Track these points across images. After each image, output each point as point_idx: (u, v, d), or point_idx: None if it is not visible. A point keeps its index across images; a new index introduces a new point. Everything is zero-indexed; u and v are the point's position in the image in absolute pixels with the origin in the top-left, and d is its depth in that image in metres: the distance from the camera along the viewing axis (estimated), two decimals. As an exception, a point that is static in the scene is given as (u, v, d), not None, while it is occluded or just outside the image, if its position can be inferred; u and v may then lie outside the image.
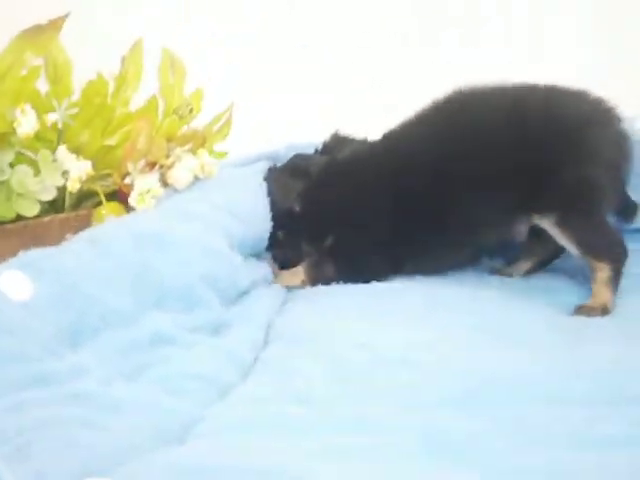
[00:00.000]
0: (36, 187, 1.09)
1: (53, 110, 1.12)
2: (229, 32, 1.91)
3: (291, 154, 1.41)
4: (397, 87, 1.84)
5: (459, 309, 1.14)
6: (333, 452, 0.71)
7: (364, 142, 1.38)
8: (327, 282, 1.27)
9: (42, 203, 1.13)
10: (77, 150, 1.14)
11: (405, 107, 1.31)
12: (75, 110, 1.14)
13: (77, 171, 1.10)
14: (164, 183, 1.16)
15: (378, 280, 1.26)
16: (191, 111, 1.23)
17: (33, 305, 0.85)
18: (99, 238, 0.99)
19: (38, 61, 1.09)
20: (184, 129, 1.26)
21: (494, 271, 1.38)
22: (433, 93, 1.29)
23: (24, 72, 1.08)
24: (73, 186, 1.11)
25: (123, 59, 1.20)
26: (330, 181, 1.32)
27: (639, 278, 1.26)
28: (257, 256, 1.29)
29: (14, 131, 1.08)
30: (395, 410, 0.81)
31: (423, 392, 0.85)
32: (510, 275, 1.35)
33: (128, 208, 1.14)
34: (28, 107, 1.07)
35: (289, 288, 1.28)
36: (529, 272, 1.35)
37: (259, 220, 1.25)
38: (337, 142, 1.40)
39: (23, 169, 1.09)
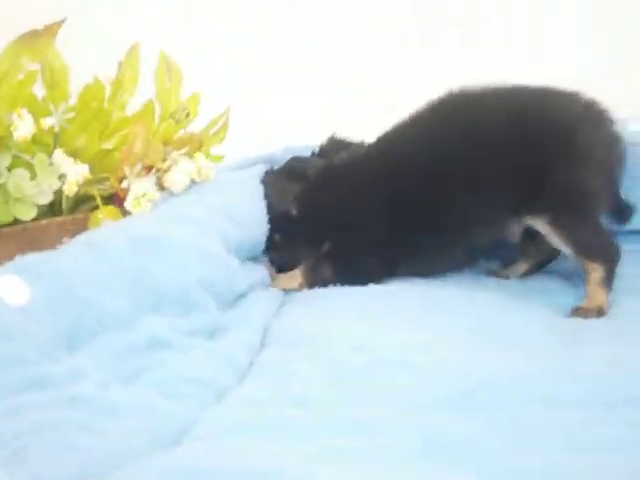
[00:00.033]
0: (33, 191, 1.10)
1: (50, 114, 1.12)
2: (229, 32, 1.91)
3: (288, 157, 1.41)
4: (397, 87, 1.84)
5: (456, 311, 1.15)
6: (330, 454, 0.71)
7: (361, 145, 1.39)
8: (324, 285, 1.27)
9: (39, 206, 1.14)
10: (74, 154, 1.14)
11: (405, 107, 1.31)
12: (72, 114, 1.14)
13: (74, 175, 1.10)
14: (160, 187, 1.17)
15: (375, 282, 1.26)
16: (188, 115, 1.24)
17: (30, 309, 0.86)
18: (96, 242, 1.00)
19: (35, 66, 1.09)
20: (181, 133, 1.26)
21: (490, 273, 1.38)
22: (433, 93, 1.29)
23: (21, 77, 1.09)
24: (70, 190, 1.11)
25: (120, 63, 1.20)
26: (327, 184, 1.32)
27: (635, 279, 1.27)
28: (254, 259, 1.29)
29: (11, 135, 1.08)
30: (392, 412, 0.81)
31: (420, 394, 0.85)
32: (507, 277, 1.35)
33: (125, 212, 1.14)
34: (25, 111, 1.08)
35: (286, 291, 1.28)
36: (525, 274, 1.36)
37: (256, 223, 1.25)
38: (334, 145, 1.41)
39: (20, 173, 1.10)
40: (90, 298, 0.91)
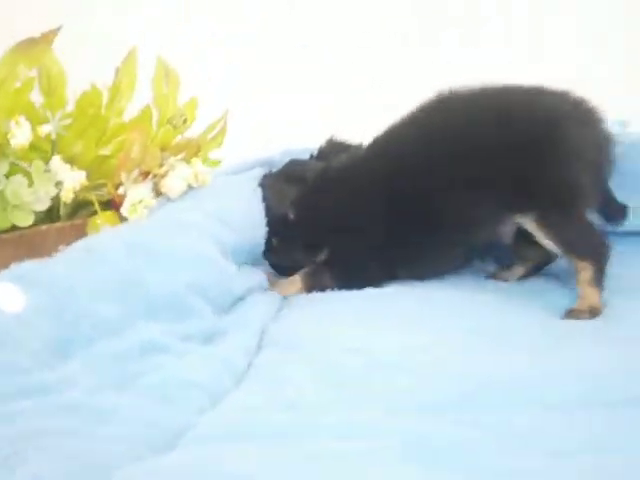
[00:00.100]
0: (30, 198, 1.11)
1: (47, 121, 1.13)
2: (229, 32, 1.91)
3: (287, 160, 1.41)
4: (397, 87, 1.83)
5: (454, 313, 1.15)
6: (322, 458, 0.71)
7: (359, 147, 1.39)
8: (323, 290, 1.27)
9: (38, 212, 1.15)
10: (72, 160, 1.15)
11: (405, 107, 1.31)
12: (69, 121, 1.14)
13: (71, 181, 1.11)
14: (157, 192, 1.17)
15: (375, 286, 1.26)
16: (185, 121, 1.24)
17: (25, 317, 0.86)
18: (91, 249, 1.00)
19: (32, 73, 1.10)
20: (178, 138, 1.27)
21: (489, 276, 1.38)
22: (433, 93, 1.29)
23: (18, 85, 1.09)
24: (67, 196, 1.12)
25: (117, 69, 1.21)
26: (324, 187, 1.32)
27: (632, 279, 1.27)
28: (254, 262, 1.29)
29: (8, 142, 1.09)
30: (388, 415, 0.81)
31: (417, 396, 0.85)
32: (505, 280, 1.36)
33: (122, 217, 1.14)
34: (22, 119, 1.08)
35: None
36: (523, 277, 1.36)
37: (253, 228, 1.25)
38: (333, 147, 1.41)
39: (18, 180, 1.11)
40: (85, 305, 0.91)
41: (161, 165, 1.17)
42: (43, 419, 0.74)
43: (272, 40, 1.90)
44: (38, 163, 1.11)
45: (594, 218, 1.28)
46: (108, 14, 1.80)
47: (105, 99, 1.21)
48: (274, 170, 1.40)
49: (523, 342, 1.03)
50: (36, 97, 1.16)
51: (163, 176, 1.17)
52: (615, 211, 1.30)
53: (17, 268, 0.92)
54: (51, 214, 1.16)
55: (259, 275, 1.27)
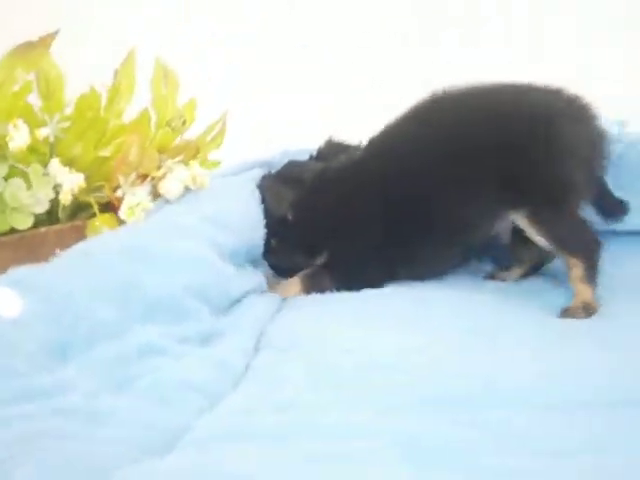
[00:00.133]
0: (29, 200, 1.11)
1: (46, 124, 1.13)
2: (229, 32, 1.91)
3: (285, 161, 1.41)
4: (397, 87, 1.83)
5: (452, 313, 1.15)
6: (322, 459, 0.71)
7: (358, 148, 1.39)
8: (323, 291, 1.28)
9: (38, 215, 1.15)
10: (70, 162, 1.15)
11: (405, 107, 1.32)
12: (67, 123, 1.15)
13: (69, 184, 1.11)
14: (156, 194, 1.17)
15: (373, 287, 1.26)
16: (184, 123, 1.24)
17: (22, 321, 0.86)
18: (89, 252, 1.00)
19: (30, 77, 1.10)
20: (177, 140, 1.27)
21: (487, 276, 1.38)
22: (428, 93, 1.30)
23: (16, 88, 1.09)
24: (65, 198, 1.12)
25: (116, 71, 1.21)
26: (322, 188, 1.33)
27: (631, 279, 1.28)
28: (253, 263, 1.29)
29: (7, 145, 1.09)
30: (387, 415, 0.81)
31: (416, 396, 0.85)
32: (503, 280, 1.36)
33: (120, 220, 1.15)
34: (20, 122, 1.09)
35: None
36: (522, 277, 1.36)
37: (251, 229, 1.26)
38: (332, 148, 1.41)
39: (16, 182, 1.11)
40: (83, 308, 0.91)
41: (159, 167, 1.17)
42: (40, 422, 0.75)
43: (272, 40, 1.90)
44: (36, 166, 1.11)
45: (592, 215, 1.29)
46: (107, 15, 1.80)
47: (104, 100, 1.21)
48: (273, 171, 1.40)
49: (521, 342, 1.04)
50: (35, 101, 1.16)
51: (161, 178, 1.17)
52: (613, 207, 1.31)
53: (14, 273, 0.92)
54: (50, 216, 1.17)
55: (258, 277, 1.27)
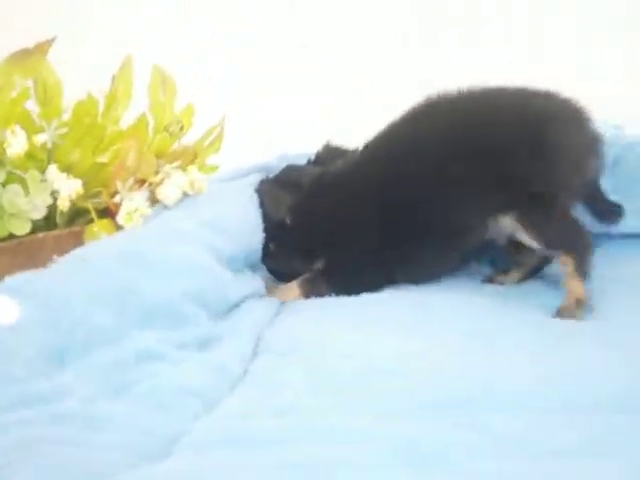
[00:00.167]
0: (27, 206, 1.11)
1: (43, 130, 1.14)
2: (229, 32, 1.91)
3: (284, 165, 1.41)
4: (397, 87, 1.83)
5: (451, 316, 1.15)
6: (319, 463, 0.72)
7: (356, 152, 1.39)
8: (322, 296, 1.28)
9: (36, 220, 1.16)
10: (68, 168, 1.16)
11: (405, 107, 1.32)
12: (65, 130, 1.15)
13: (67, 190, 1.12)
14: (154, 200, 1.18)
15: (371, 292, 1.26)
16: (182, 128, 1.24)
17: (19, 328, 0.87)
18: (86, 258, 1.01)
19: (28, 83, 1.11)
20: (175, 145, 1.27)
21: (486, 280, 1.38)
22: (429, 95, 1.30)
23: (14, 94, 1.10)
24: (63, 205, 1.13)
25: (113, 77, 1.21)
26: (320, 193, 1.33)
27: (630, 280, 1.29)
28: (252, 267, 1.30)
29: (5, 152, 1.10)
30: (386, 419, 0.81)
31: (415, 400, 0.86)
32: (502, 283, 1.36)
33: (119, 225, 1.15)
34: (18, 128, 1.09)
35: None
36: (521, 280, 1.36)
37: (249, 234, 1.26)
38: (329, 153, 1.41)
39: (14, 189, 1.12)
40: (81, 314, 0.92)
41: (157, 173, 1.17)
42: (38, 428, 0.75)
43: (272, 40, 1.90)
44: (34, 172, 1.12)
45: (587, 220, 1.29)
46: (106, 15, 1.80)
47: (102, 106, 1.21)
48: (271, 175, 1.40)
49: (520, 345, 1.04)
50: (32, 107, 1.16)
51: (159, 184, 1.17)
52: (607, 211, 1.31)
53: (12, 280, 0.92)
54: (49, 222, 1.17)
55: (256, 281, 1.27)
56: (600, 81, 1.71)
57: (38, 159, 1.16)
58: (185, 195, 1.21)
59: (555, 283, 1.31)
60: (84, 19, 1.70)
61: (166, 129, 1.24)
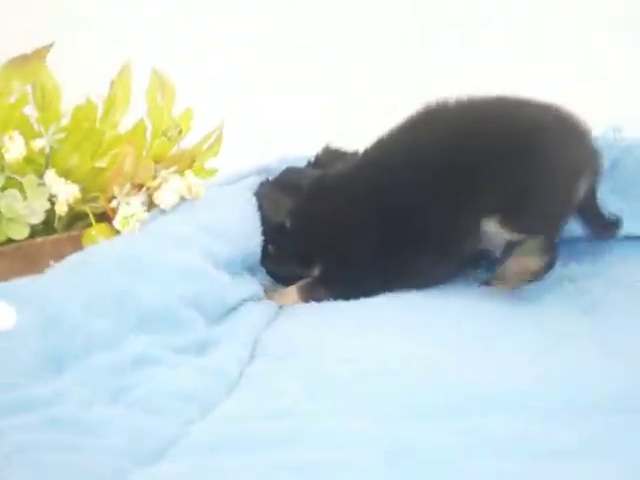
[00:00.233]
0: (25, 211, 1.12)
1: (42, 135, 1.14)
2: (229, 32, 1.91)
3: (283, 167, 1.41)
4: (397, 87, 1.83)
5: (449, 319, 1.15)
6: (316, 467, 0.72)
7: (356, 155, 1.39)
8: (320, 300, 1.28)
9: (34, 225, 1.16)
10: (67, 173, 1.16)
11: (405, 107, 1.32)
12: (63, 134, 1.15)
13: (64, 194, 1.12)
14: (151, 204, 1.18)
15: (369, 297, 1.26)
16: (180, 133, 1.25)
17: (16, 333, 0.87)
18: (83, 263, 1.01)
19: (27, 88, 1.11)
20: (174, 150, 1.27)
21: (483, 283, 1.38)
22: (433, 93, 1.30)
23: (12, 99, 1.10)
24: (61, 209, 1.13)
25: (112, 82, 1.21)
26: (320, 196, 1.33)
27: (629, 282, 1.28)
28: (250, 271, 1.30)
29: (3, 156, 1.10)
30: (384, 423, 0.81)
31: (414, 404, 0.86)
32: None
33: (116, 230, 1.15)
34: (16, 133, 1.10)
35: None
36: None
37: (247, 238, 1.26)
38: (329, 155, 1.41)
39: (12, 193, 1.12)
40: (78, 319, 0.92)
41: (154, 178, 1.18)
42: (34, 433, 0.75)
43: (272, 40, 1.90)
44: (31, 177, 1.12)
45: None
46: (104, 18, 1.80)
47: (100, 112, 1.22)
48: (270, 178, 1.40)
49: (519, 346, 1.04)
50: (31, 112, 1.17)
51: (156, 189, 1.17)
52: (603, 227, 1.32)
53: (7, 285, 0.93)
54: (47, 226, 1.18)
55: (254, 284, 1.27)
56: (600, 81, 1.71)
57: (36, 164, 1.16)
58: (182, 199, 1.21)
59: (555, 283, 1.31)
60: (82, 20, 1.70)
61: (164, 134, 1.25)
